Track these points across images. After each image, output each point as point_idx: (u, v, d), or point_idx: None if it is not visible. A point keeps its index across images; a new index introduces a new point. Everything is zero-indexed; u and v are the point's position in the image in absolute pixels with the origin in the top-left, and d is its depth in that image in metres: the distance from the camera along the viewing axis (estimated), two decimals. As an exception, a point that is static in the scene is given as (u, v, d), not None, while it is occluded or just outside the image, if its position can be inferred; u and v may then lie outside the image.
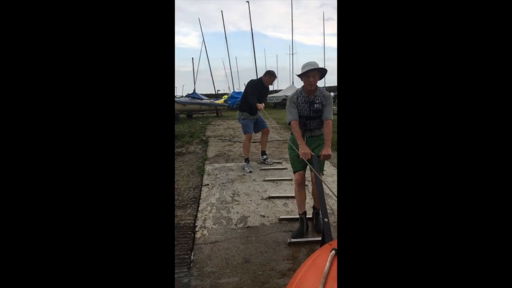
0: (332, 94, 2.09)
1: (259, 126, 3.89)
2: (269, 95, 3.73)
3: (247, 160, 3.79)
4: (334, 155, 3.60)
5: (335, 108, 6.42)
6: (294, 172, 2.14)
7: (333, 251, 0.73)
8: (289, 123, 2.07)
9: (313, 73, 1.93)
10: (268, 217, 2.42)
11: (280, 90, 20.66)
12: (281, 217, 2.40)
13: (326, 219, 1.53)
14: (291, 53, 35.27)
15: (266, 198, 2.81)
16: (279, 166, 3.87)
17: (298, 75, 2.00)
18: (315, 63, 1.95)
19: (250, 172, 3.66)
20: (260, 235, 2.14)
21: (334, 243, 0.81)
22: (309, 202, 2.64)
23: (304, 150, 1.94)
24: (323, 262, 0.70)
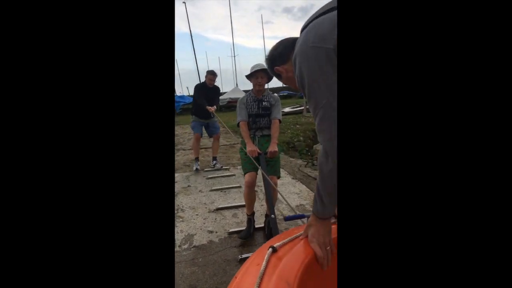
0: (275, 95, 2.24)
1: (211, 131, 3.88)
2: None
3: (196, 159, 3.91)
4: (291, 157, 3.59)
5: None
6: (245, 174, 2.07)
7: (270, 249, 0.72)
8: (238, 125, 2.11)
9: (260, 74, 2.00)
10: (216, 232, 2.21)
11: (224, 93, 20.38)
12: (230, 230, 2.21)
13: (273, 215, 1.61)
14: (233, 55, 35.32)
15: (214, 210, 2.59)
16: (227, 173, 3.68)
17: (247, 76, 2.07)
18: (261, 65, 2.01)
19: (197, 170, 3.78)
20: (208, 254, 1.92)
21: (272, 241, 0.80)
22: (260, 210, 2.52)
23: (251, 148, 1.98)
24: (260, 262, 0.69)
